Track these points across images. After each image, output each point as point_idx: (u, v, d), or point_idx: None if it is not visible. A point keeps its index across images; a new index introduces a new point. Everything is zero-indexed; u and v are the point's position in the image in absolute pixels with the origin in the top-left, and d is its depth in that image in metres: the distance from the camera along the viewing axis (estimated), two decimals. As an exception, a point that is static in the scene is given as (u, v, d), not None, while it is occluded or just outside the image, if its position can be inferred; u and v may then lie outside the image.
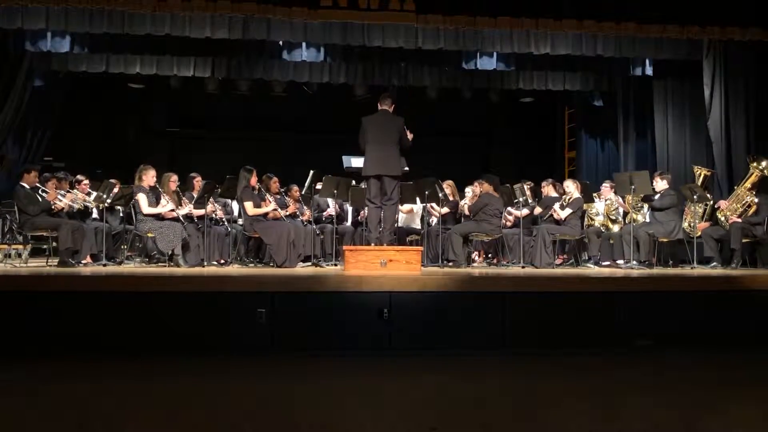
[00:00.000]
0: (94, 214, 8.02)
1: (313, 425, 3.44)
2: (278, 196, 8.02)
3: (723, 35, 8.92)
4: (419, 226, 8.82)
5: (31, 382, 4.32)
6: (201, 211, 7.62)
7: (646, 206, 8.34)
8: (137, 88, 11.45)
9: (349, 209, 8.99)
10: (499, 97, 11.92)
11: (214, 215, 8.00)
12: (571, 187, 8.16)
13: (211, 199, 7.75)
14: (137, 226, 7.45)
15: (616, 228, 8.54)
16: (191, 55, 9.86)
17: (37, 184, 7.29)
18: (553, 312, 5.55)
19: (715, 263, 7.81)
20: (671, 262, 8.41)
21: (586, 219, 8.73)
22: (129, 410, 3.70)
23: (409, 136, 6.78)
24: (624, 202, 8.51)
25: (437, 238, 8.04)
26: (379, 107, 6.82)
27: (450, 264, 7.70)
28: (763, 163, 8.01)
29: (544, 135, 13.37)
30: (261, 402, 3.91)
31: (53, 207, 7.28)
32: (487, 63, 9.79)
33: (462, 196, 8.75)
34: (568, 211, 7.97)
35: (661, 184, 7.94)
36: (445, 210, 8.34)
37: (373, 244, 6.63)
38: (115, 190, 7.70)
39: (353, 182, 8.37)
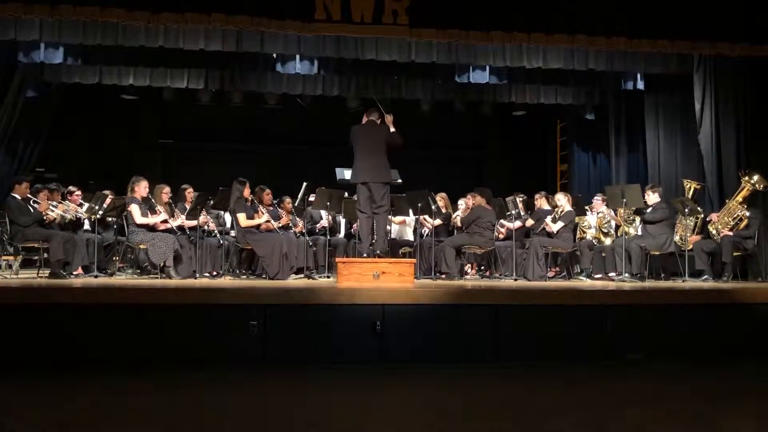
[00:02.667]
0: (86, 226, 7.99)
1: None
2: (271, 208, 8.02)
3: (713, 50, 8.99)
4: (412, 239, 8.83)
5: (19, 398, 4.28)
6: (193, 223, 7.60)
7: (637, 219, 8.38)
8: (130, 99, 11.44)
9: (342, 221, 8.99)
10: (492, 110, 11.97)
11: (206, 227, 7.98)
12: (563, 200, 8.20)
13: (203, 211, 7.74)
14: (129, 237, 7.42)
15: (608, 241, 8.57)
16: (184, 67, 9.85)
17: (29, 195, 7.26)
18: (546, 325, 5.56)
19: (706, 276, 7.85)
20: (663, 275, 8.43)
21: (578, 232, 8.75)
22: (120, 424, 3.67)
23: (392, 128, 6.89)
24: (616, 215, 8.55)
25: (430, 251, 8.05)
26: (366, 119, 6.91)
27: (443, 276, 7.70)
28: (755, 178, 8.06)
29: (536, 148, 13.42)
30: (253, 415, 3.89)
31: (45, 218, 7.25)
32: (480, 76, 9.83)
33: (455, 209, 8.77)
34: (559, 224, 7.99)
35: (652, 198, 7.99)
36: (438, 222, 8.35)
37: (365, 255, 6.62)
38: (107, 201, 7.68)
39: (346, 194, 8.38)
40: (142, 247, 7.34)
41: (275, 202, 8.33)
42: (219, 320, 5.26)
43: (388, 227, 8.21)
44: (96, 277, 7.26)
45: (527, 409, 4.11)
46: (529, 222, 8.44)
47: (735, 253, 7.77)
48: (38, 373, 4.84)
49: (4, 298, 5.24)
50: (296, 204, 8.72)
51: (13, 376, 4.73)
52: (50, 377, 4.75)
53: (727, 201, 8.33)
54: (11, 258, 7.98)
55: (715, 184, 9.19)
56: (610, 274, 8.14)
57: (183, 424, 3.68)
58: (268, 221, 7.65)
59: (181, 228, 7.57)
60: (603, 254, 8.31)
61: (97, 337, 5.12)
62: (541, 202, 8.56)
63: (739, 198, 8.09)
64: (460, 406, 4.20)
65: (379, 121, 6.92)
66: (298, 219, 8.49)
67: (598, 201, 8.80)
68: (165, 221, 7.37)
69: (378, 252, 6.65)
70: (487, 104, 11.60)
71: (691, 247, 8.07)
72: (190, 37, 8.49)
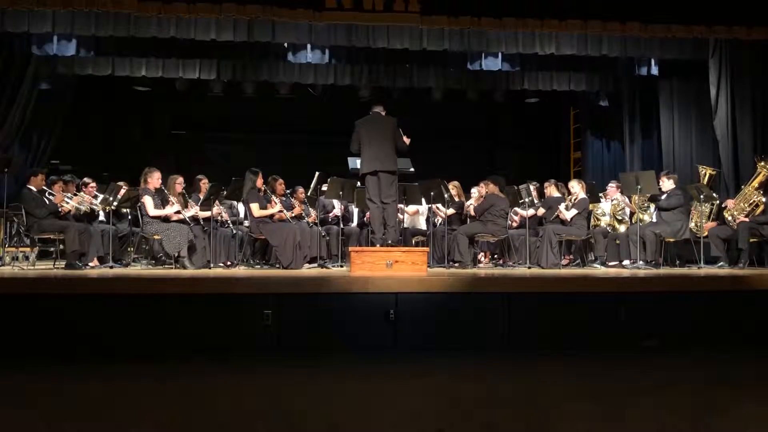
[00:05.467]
0: (101, 217, 8.05)
1: (319, 426, 3.44)
2: (284, 198, 8.04)
3: (729, 34, 8.90)
4: (425, 227, 8.82)
5: (36, 386, 4.33)
6: (207, 213, 7.64)
7: (652, 206, 8.32)
8: (143, 90, 11.49)
9: (355, 210, 9.00)
10: (504, 97, 11.90)
11: (220, 217, 8.01)
12: (577, 188, 8.15)
13: (216, 201, 7.77)
14: (144, 228, 7.47)
15: (622, 228, 8.52)
16: (196, 57, 9.88)
17: (44, 187, 7.32)
18: (559, 313, 5.54)
19: (722, 263, 7.78)
20: (678, 262, 8.38)
21: (592, 219, 8.71)
22: (135, 412, 3.70)
23: (406, 140, 6.82)
24: (630, 202, 8.49)
25: (443, 239, 8.04)
26: (372, 110, 6.89)
27: (456, 265, 7.69)
28: (771, 163, 7.98)
29: (549, 136, 13.36)
30: (267, 403, 3.92)
31: (60, 210, 7.31)
32: (492, 64, 9.78)
33: (468, 197, 8.75)
34: (573, 211, 7.95)
35: (667, 184, 7.92)
36: (451, 211, 8.34)
37: (378, 245, 6.62)
38: (122, 192, 7.73)
39: (358, 184, 8.37)
40: (156, 237, 7.38)
41: (288, 191, 8.35)
42: (233, 309, 5.29)
43: (400, 216, 8.20)
44: (111, 267, 7.32)
45: (540, 397, 4.10)
46: (540, 210, 8.40)
47: (751, 240, 7.70)
48: (54, 361, 4.89)
49: (22, 288, 5.30)
50: (309, 194, 8.74)
51: (29, 365, 4.79)
52: (66, 366, 4.80)
53: (743, 187, 8.25)
54: (28, 249, 8.07)
55: (730, 169, 9.12)
56: (624, 262, 8.09)
57: (197, 411, 3.71)
58: (281, 211, 7.67)
59: (194, 218, 7.61)
60: (617, 242, 8.27)
61: (112, 326, 5.17)
62: (551, 190, 8.52)
63: (755, 183, 8.01)
64: (473, 393, 4.20)
65: (384, 113, 6.88)
66: (311, 209, 8.51)
67: (612, 188, 8.74)
68: (178, 212, 7.40)
69: (390, 242, 6.65)
70: (500, 92, 11.54)
71: (706, 233, 8.00)
72: (201, 27, 8.53)
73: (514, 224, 8.70)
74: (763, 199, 7.83)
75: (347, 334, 5.34)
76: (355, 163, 9.12)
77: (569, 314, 5.55)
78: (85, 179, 8.25)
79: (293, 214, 7.85)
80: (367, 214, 8.42)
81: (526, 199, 8.30)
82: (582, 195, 8.08)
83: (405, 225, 8.69)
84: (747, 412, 3.83)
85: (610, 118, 11.57)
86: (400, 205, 8.03)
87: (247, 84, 11.13)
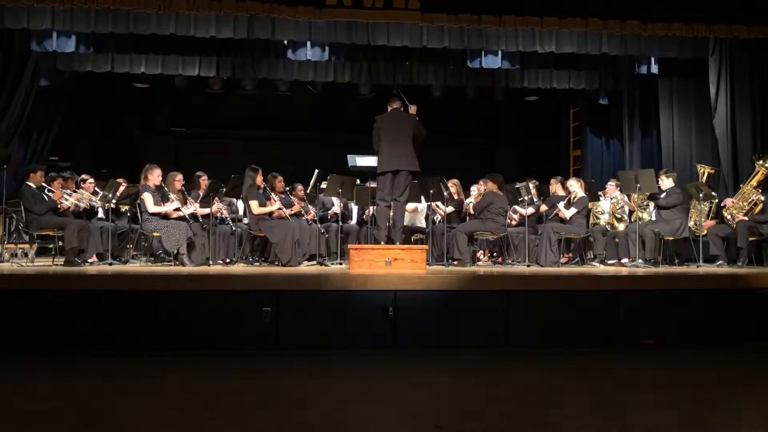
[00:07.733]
0: (100, 214, 8.04)
1: (317, 424, 3.44)
2: (283, 195, 8.03)
3: (729, 33, 8.89)
4: (424, 225, 8.82)
5: (36, 382, 4.33)
6: (206, 210, 7.63)
7: (651, 204, 8.33)
8: (142, 87, 11.47)
9: (354, 208, 9.00)
10: (504, 95, 11.90)
11: (219, 214, 8.00)
12: (575, 186, 8.15)
13: (216, 198, 7.76)
14: (143, 225, 7.46)
15: (621, 226, 8.53)
16: (196, 54, 9.87)
17: (43, 184, 7.31)
18: (558, 311, 5.54)
19: (721, 261, 7.79)
20: (677, 260, 8.38)
21: (591, 217, 8.71)
22: (133, 409, 3.71)
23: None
24: (629, 200, 8.50)
25: (442, 237, 8.04)
26: (390, 108, 6.83)
27: (455, 263, 7.69)
28: (769, 162, 7.98)
29: (549, 134, 13.34)
30: (266, 400, 3.92)
31: (59, 206, 7.31)
32: (492, 61, 9.78)
33: (467, 195, 8.74)
34: (573, 209, 7.95)
35: (666, 183, 7.92)
36: (450, 209, 8.34)
37: (382, 242, 6.61)
38: (121, 189, 7.72)
39: (358, 181, 8.36)
40: (155, 234, 7.38)
41: (287, 189, 8.35)
42: (232, 306, 5.29)
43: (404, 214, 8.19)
44: (110, 264, 7.31)
45: (539, 394, 4.11)
46: (543, 207, 8.40)
47: (750, 238, 7.70)
48: (53, 358, 4.89)
49: (21, 285, 5.29)
50: (308, 191, 8.73)
51: (28, 360, 4.79)
52: (65, 363, 4.80)
53: (741, 185, 8.25)
54: (27, 246, 8.06)
55: (729, 168, 9.12)
56: (623, 260, 8.09)
57: (196, 408, 3.71)
58: (280, 208, 7.66)
59: (194, 215, 7.60)
60: (616, 240, 8.27)
61: (111, 323, 5.17)
62: (555, 188, 8.51)
63: (754, 182, 8.02)
64: (472, 391, 4.21)
65: (402, 110, 6.85)
66: (310, 206, 8.51)
67: (611, 186, 8.75)
68: (177, 209, 7.40)
69: (398, 243, 6.64)
70: (500, 89, 11.53)
71: (705, 232, 8.00)
72: (201, 24, 8.51)
73: (513, 222, 8.70)
74: (762, 198, 7.83)
75: (346, 332, 5.34)
76: (354, 160, 9.12)
77: (568, 312, 5.55)
78: (84, 176, 8.24)
79: (292, 212, 7.84)
80: (366, 211, 8.43)
81: (526, 197, 8.29)
82: (581, 193, 8.08)
83: (405, 223, 8.68)
84: (746, 411, 3.84)
85: (610, 116, 11.56)
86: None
87: (247, 81, 11.12)
